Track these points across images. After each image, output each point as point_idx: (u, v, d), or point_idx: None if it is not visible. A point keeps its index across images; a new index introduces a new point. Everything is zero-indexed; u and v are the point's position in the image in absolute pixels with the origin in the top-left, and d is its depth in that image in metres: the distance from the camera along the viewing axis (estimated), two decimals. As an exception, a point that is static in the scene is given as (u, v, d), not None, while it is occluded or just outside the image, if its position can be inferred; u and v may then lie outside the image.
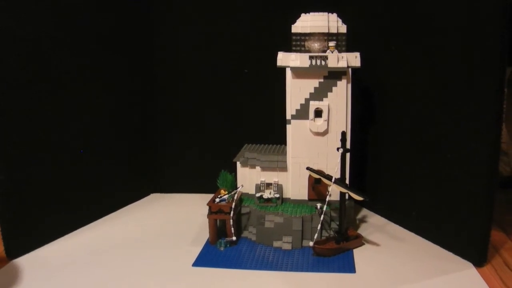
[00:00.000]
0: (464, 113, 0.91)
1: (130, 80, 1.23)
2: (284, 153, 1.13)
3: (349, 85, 1.13)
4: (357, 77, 1.15)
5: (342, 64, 1.11)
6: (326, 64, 1.10)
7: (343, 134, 1.07)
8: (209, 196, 1.06)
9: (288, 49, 1.06)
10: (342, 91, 1.13)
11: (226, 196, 1.04)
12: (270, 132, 1.19)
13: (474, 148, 0.89)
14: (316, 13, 1.15)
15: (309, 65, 1.11)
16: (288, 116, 1.16)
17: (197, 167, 1.30)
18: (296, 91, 1.14)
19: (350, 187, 0.99)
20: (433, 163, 1.00)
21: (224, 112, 1.30)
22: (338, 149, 0.99)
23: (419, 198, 1.05)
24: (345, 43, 1.15)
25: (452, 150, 0.95)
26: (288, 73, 1.15)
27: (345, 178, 1.01)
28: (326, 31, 1.14)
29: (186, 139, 1.31)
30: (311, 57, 1.11)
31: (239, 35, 1.25)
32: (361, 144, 1.16)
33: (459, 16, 0.90)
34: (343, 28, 1.14)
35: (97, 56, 1.14)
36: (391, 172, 1.12)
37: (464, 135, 0.92)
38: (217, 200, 1.03)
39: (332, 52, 1.12)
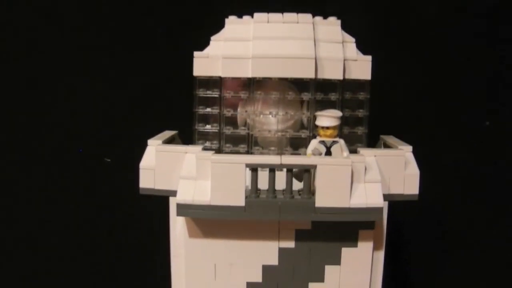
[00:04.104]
0: None
1: None
2: None
3: (381, 255, 0.38)
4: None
5: (374, 199, 0.33)
6: (310, 197, 0.30)
7: None
8: None
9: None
10: (357, 269, 0.38)
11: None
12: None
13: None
14: (275, 15, 0.35)
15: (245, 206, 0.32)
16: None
17: None
18: (201, 270, 0.35)
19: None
20: None
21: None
22: None
23: None
24: (368, 112, 0.38)
25: None
26: (177, 219, 0.32)
27: None
28: (312, 75, 0.38)
29: None
30: (254, 170, 0.29)
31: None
32: None
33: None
34: (362, 66, 0.38)
35: None
36: None
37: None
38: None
39: (327, 148, 0.34)
